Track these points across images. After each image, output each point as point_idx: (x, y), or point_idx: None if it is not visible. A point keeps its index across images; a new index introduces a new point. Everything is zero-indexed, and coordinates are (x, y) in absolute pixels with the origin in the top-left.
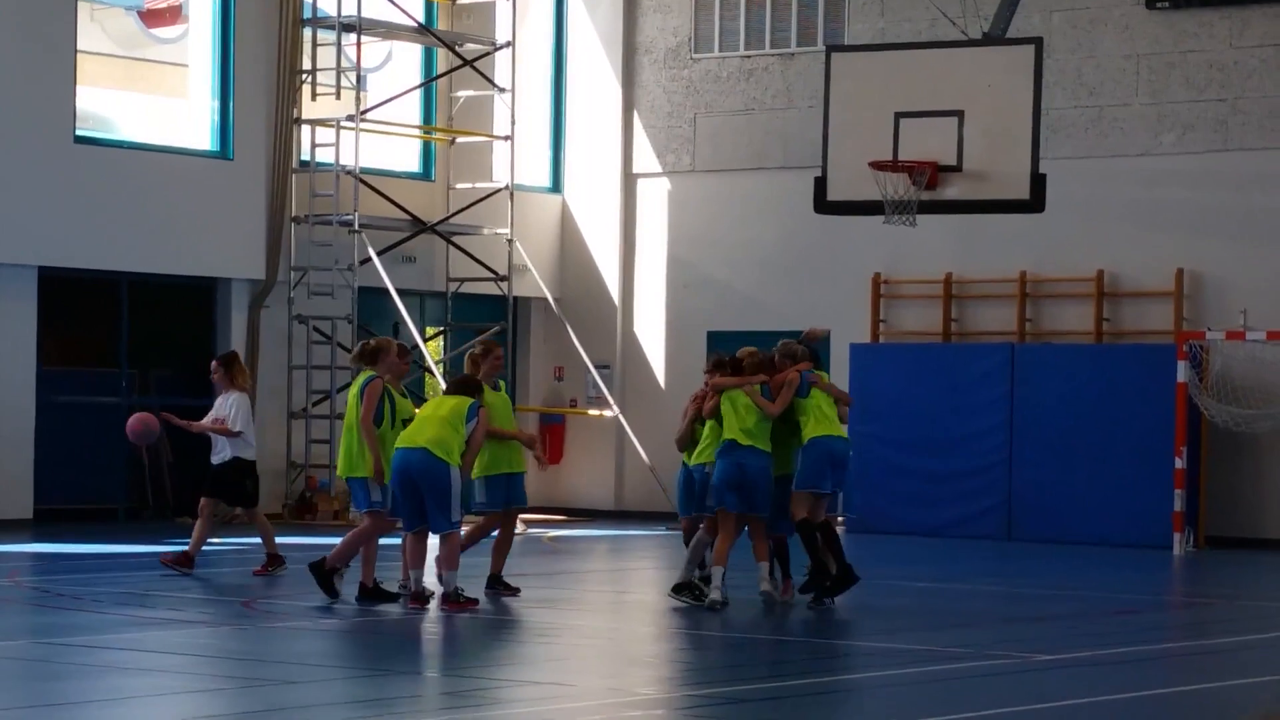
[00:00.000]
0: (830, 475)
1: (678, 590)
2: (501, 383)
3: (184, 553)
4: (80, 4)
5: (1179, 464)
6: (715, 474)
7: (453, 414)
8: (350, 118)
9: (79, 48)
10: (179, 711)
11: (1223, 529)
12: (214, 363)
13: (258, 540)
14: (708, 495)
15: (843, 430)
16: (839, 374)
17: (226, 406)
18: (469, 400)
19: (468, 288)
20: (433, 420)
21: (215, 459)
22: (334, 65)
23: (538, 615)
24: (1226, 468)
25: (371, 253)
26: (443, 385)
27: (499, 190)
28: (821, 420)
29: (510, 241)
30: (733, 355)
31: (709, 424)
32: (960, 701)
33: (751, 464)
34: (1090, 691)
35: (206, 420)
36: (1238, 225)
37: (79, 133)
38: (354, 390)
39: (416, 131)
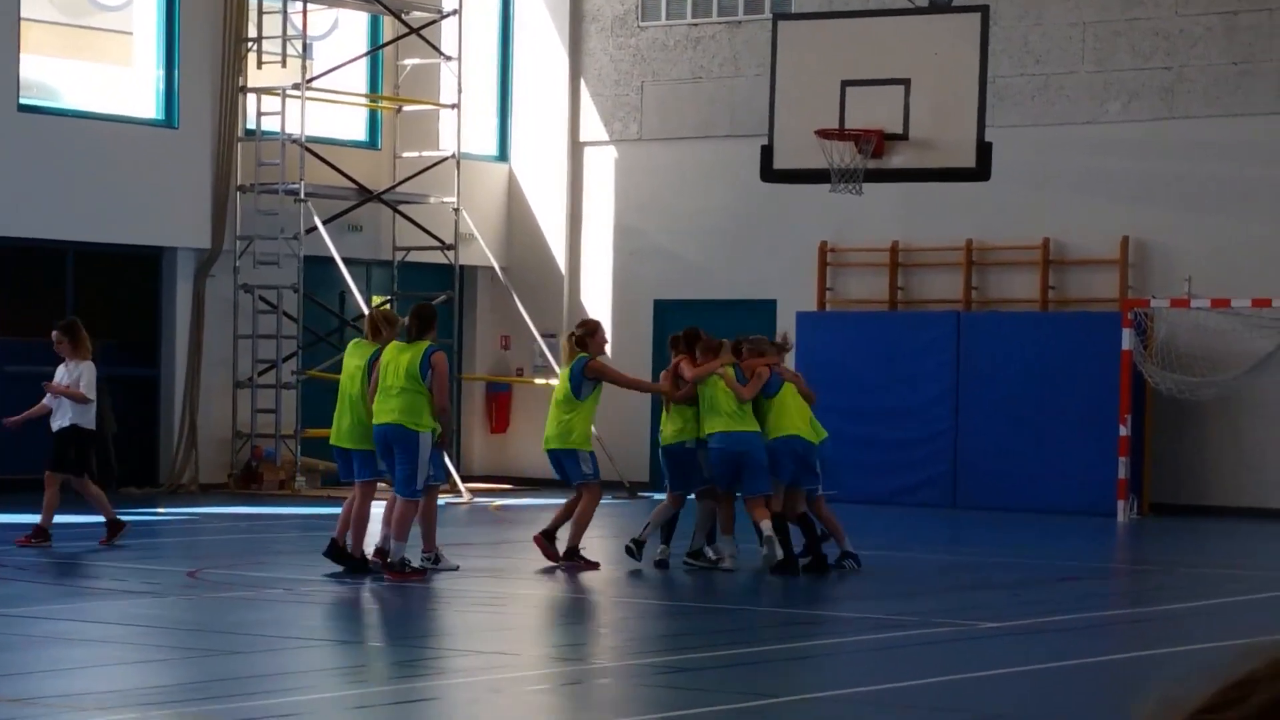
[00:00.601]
0: (789, 469)
1: (695, 556)
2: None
3: (37, 527)
4: None
5: (1124, 431)
6: (711, 459)
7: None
8: (296, 86)
9: (22, 15)
10: (124, 682)
11: (1167, 496)
12: (55, 331)
13: (202, 510)
14: (702, 469)
15: (807, 429)
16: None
17: (74, 374)
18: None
19: (414, 256)
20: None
21: (55, 424)
22: (280, 33)
23: (484, 585)
24: (1171, 435)
25: (317, 221)
26: None
27: (445, 159)
28: (785, 417)
29: (457, 210)
30: (688, 330)
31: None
32: (905, 669)
33: (739, 448)
34: (1033, 659)
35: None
36: (1183, 193)
37: (23, 101)
38: (411, 359)
39: (363, 100)
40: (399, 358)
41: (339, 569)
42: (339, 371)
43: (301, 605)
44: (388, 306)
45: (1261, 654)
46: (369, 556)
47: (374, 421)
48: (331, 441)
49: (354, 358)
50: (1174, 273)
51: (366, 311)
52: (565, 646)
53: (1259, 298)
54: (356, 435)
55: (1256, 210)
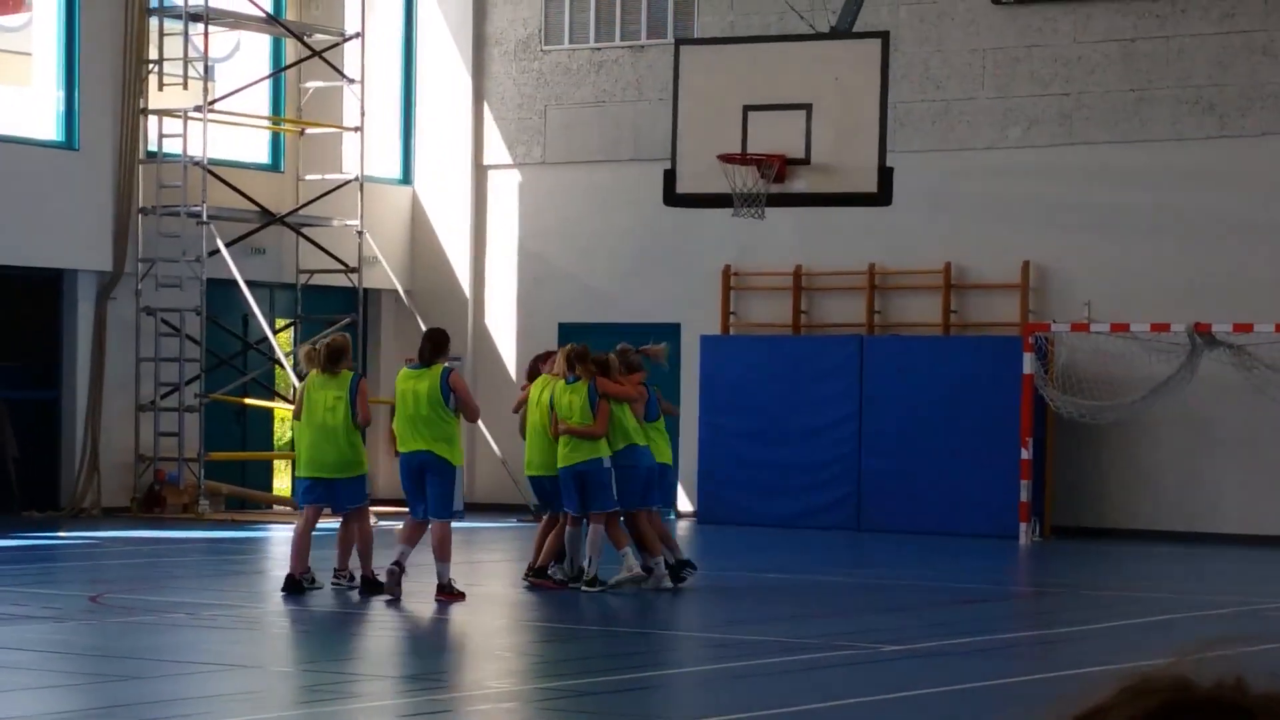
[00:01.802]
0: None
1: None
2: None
3: None
4: None
5: (1025, 455)
6: (641, 475)
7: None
8: (198, 108)
9: None
10: (25, 708)
11: (1068, 519)
12: None
13: (105, 534)
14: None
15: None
16: (689, 366)
17: None
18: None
19: (318, 279)
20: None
21: None
22: (181, 55)
23: (390, 609)
24: (1072, 458)
25: (220, 244)
26: (292, 379)
27: (349, 182)
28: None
29: (360, 233)
30: (579, 348)
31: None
32: (808, 692)
33: (651, 463)
34: (936, 681)
35: None
36: (1082, 218)
37: None
38: (430, 385)
39: (265, 122)
40: (416, 385)
41: (294, 596)
42: (243, 395)
43: (205, 630)
44: (342, 336)
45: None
46: (372, 575)
47: (402, 449)
48: (308, 473)
49: (327, 390)
50: (1074, 297)
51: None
52: (470, 671)
53: (1158, 322)
54: (341, 465)
55: (1155, 235)
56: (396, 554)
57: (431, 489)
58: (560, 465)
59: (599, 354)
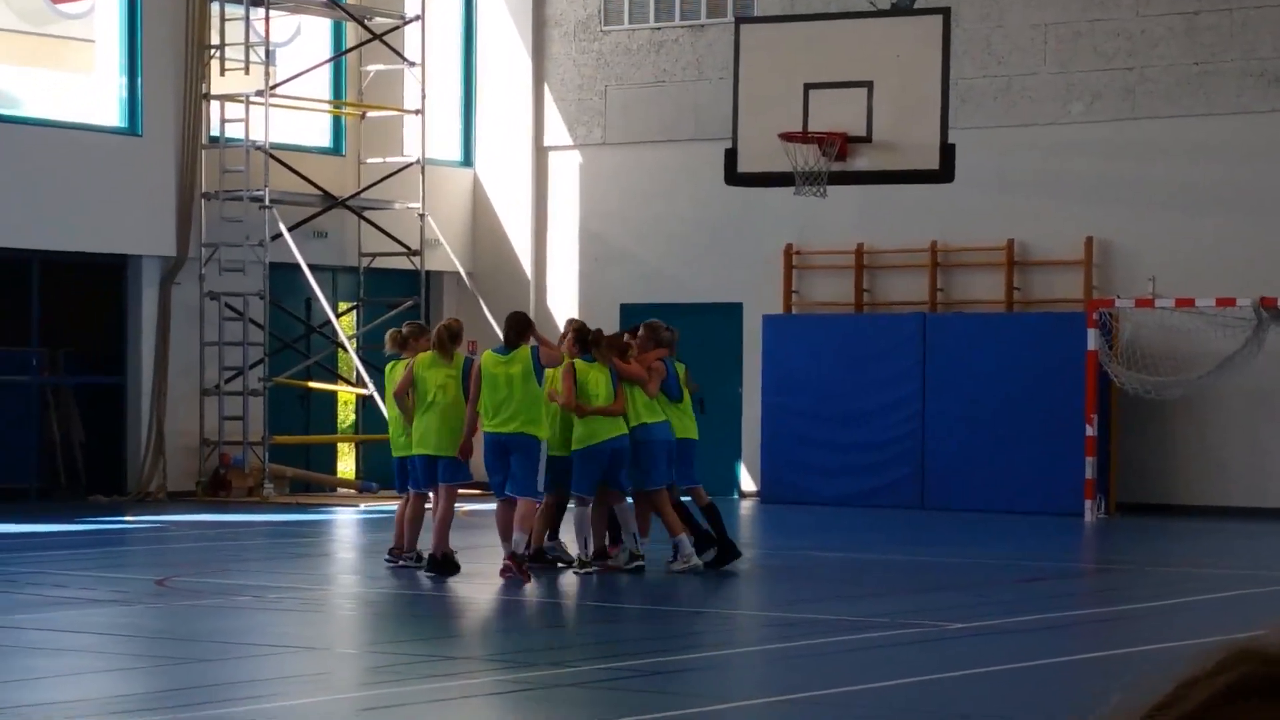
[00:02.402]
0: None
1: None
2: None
3: None
4: None
5: (1090, 431)
6: (660, 451)
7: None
8: (260, 93)
9: None
10: (92, 691)
11: (1133, 495)
12: None
13: (170, 518)
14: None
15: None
16: (752, 346)
17: None
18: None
19: (380, 262)
20: None
21: None
22: (243, 40)
23: (459, 590)
24: (1137, 435)
25: (283, 228)
26: (356, 362)
27: (410, 164)
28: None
29: (422, 216)
30: (590, 329)
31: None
32: (874, 671)
33: (672, 437)
34: (1001, 659)
35: None
36: (1146, 193)
37: None
38: (523, 368)
39: (326, 106)
40: (508, 369)
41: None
42: (307, 378)
43: (270, 612)
44: (458, 320)
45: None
46: (445, 553)
47: (490, 429)
48: (419, 451)
49: (439, 369)
50: (1138, 273)
51: (331, 318)
52: (538, 651)
53: (1223, 297)
54: (450, 443)
55: (1220, 210)
56: (512, 545)
57: (518, 467)
58: (588, 444)
59: (614, 334)
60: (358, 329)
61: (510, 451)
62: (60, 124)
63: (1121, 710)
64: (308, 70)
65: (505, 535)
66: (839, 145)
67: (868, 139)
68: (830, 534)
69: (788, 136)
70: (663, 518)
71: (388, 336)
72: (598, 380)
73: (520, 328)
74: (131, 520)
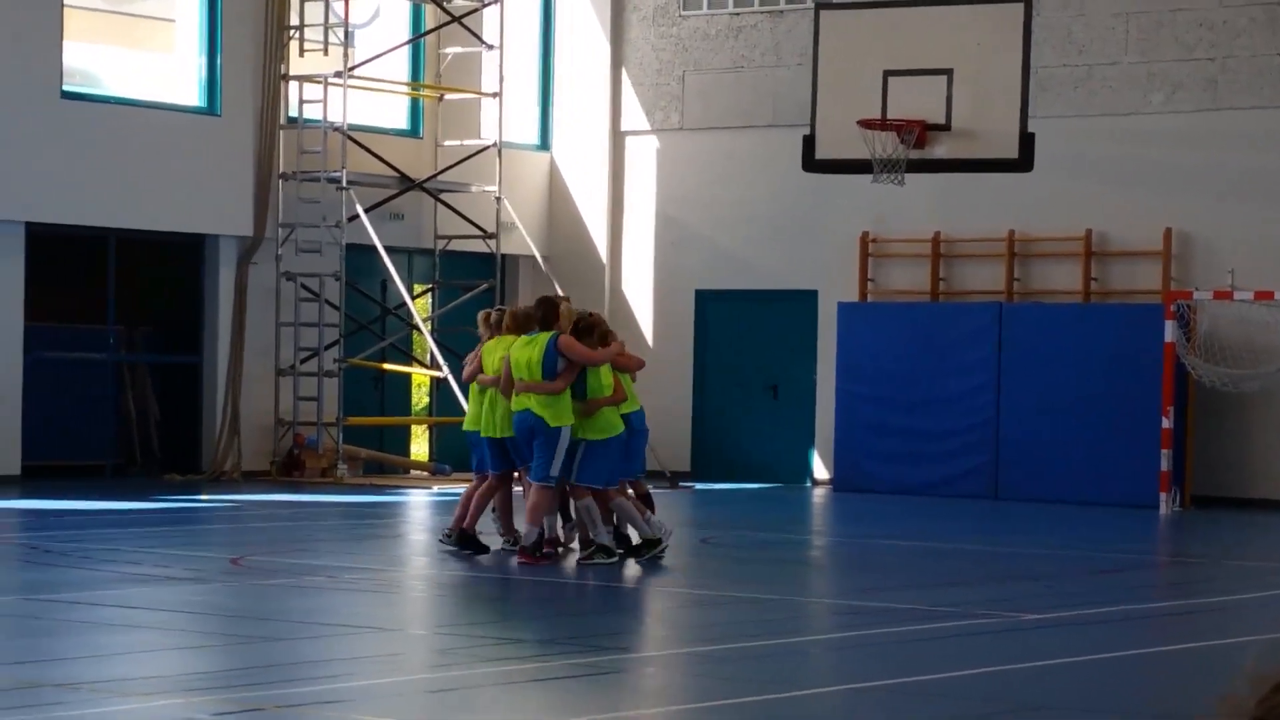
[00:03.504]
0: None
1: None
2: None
3: None
4: None
5: (1166, 424)
6: (639, 442)
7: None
8: (338, 74)
9: (65, 2)
10: (168, 668)
11: (1209, 489)
12: None
13: (245, 497)
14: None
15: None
16: (826, 333)
17: None
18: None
19: (456, 245)
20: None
21: None
22: (322, 21)
23: (528, 574)
24: (1213, 427)
25: (359, 209)
26: (431, 344)
27: (487, 147)
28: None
29: (498, 199)
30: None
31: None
32: (949, 660)
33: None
34: (1076, 650)
35: None
36: (1226, 184)
37: (66, 88)
38: (539, 351)
39: (404, 88)
40: (530, 354)
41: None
42: (381, 360)
43: (344, 592)
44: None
45: None
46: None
47: (515, 409)
48: (498, 434)
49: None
50: (1217, 264)
51: (406, 300)
52: (607, 635)
53: None
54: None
55: None
56: (542, 530)
57: (537, 451)
58: (610, 434)
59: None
60: (433, 311)
61: (533, 434)
62: (140, 103)
63: (1258, 681)
64: (386, 52)
65: (537, 519)
66: (917, 133)
67: (946, 127)
68: (903, 523)
69: (866, 123)
70: (603, 508)
71: (484, 319)
72: (606, 369)
73: (547, 313)
74: (206, 499)
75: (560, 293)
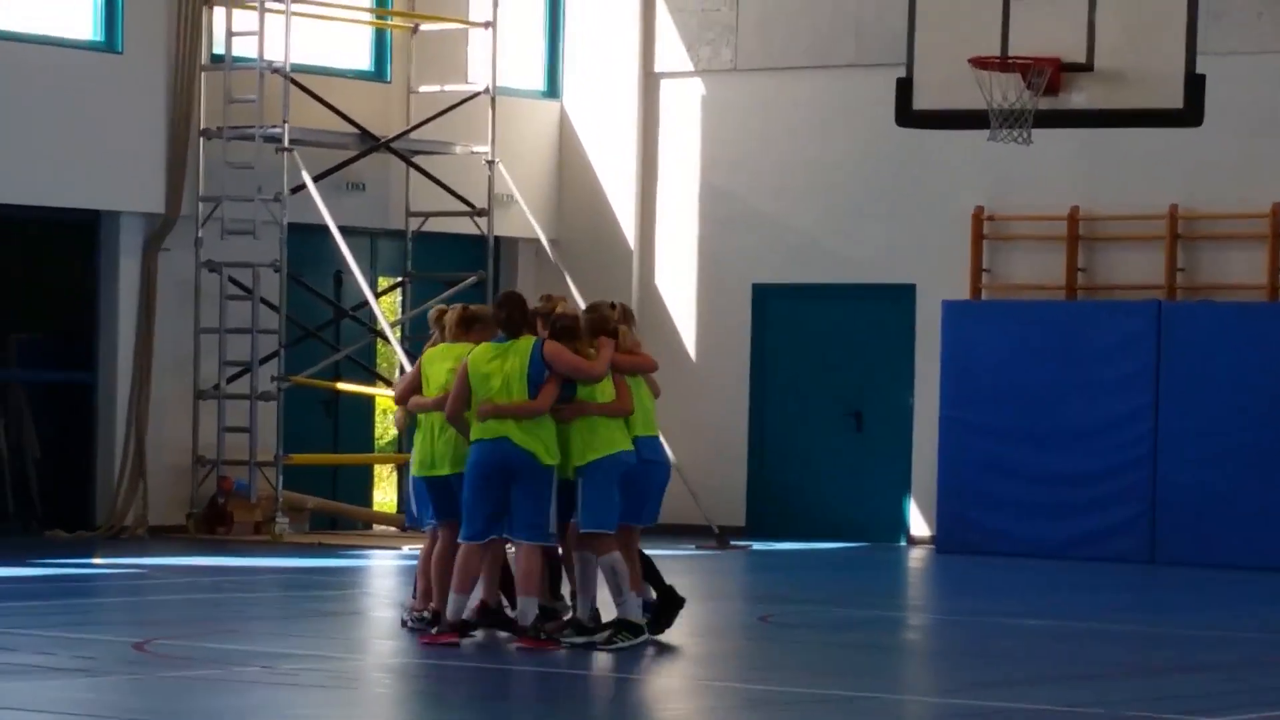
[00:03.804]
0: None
1: (580, 631)
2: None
3: None
4: None
5: None
6: (659, 477)
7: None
8: None
9: None
10: None
11: None
12: None
13: (153, 561)
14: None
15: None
16: (928, 342)
17: None
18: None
19: (434, 225)
20: None
21: None
22: None
23: (538, 661)
24: None
25: (306, 178)
26: (400, 355)
27: (476, 94)
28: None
29: (491, 163)
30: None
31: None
32: None
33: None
34: None
35: None
36: None
37: None
38: (520, 361)
39: (366, 16)
40: (504, 365)
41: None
42: (335, 377)
43: (285, 688)
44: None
45: None
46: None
47: (477, 438)
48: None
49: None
50: None
51: (369, 298)
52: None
53: None
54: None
55: None
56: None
57: (522, 499)
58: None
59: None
60: (403, 313)
61: (510, 473)
62: (14, 37)
63: None
64: None
65: (466, 586)
66: (1050, 75)
67: (1088, 67)
68: (1028, 594)
69: (981, 63)
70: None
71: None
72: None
73: (512, 312)
74: (101, 563)
75: (575, 292)
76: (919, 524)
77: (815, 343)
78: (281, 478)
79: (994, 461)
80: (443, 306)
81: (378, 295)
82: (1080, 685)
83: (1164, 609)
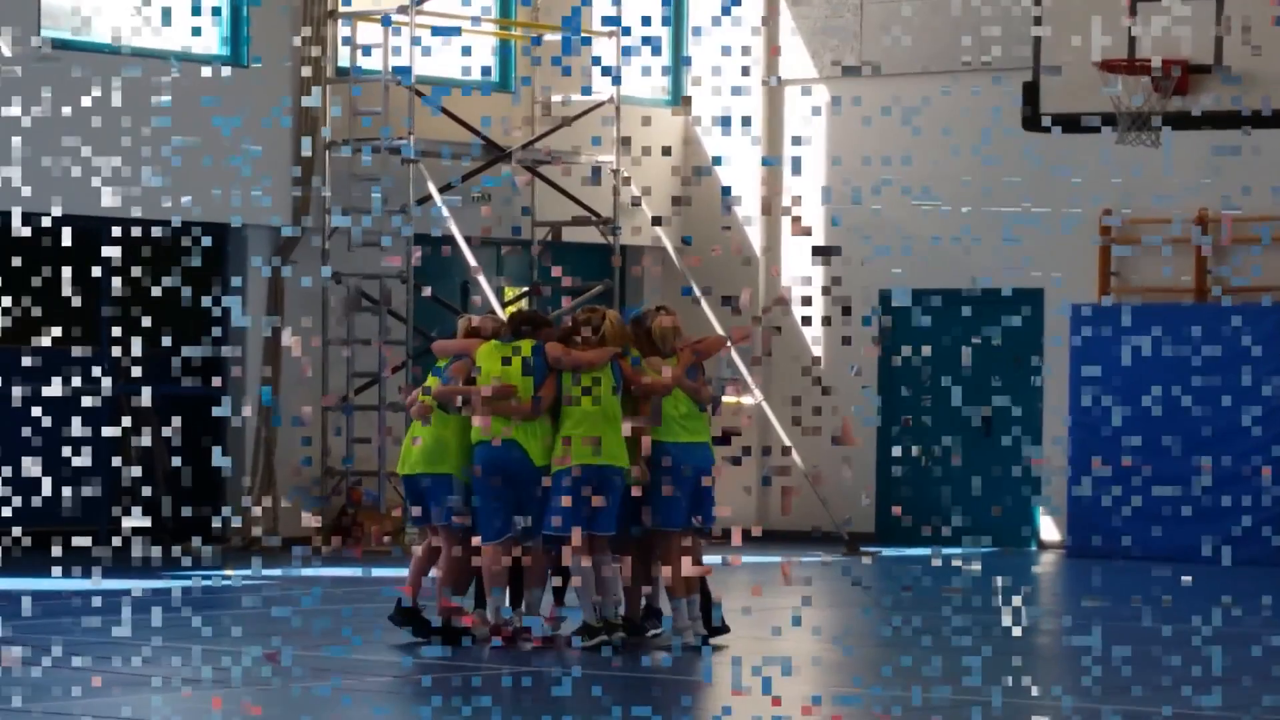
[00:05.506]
0: None
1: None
2: None
3: None
4: None
5: None
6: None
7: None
8: (403, 9)
9: None
10: None
11: None
12: None
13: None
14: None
15: None
16: (1056, 347)
17: None
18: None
19: (561, 234)
20: None
21: None
22: None
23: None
24: None
25: (433, 189)
26: None
27: (601, 104)
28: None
29: (616, 173)
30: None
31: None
32: None
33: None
34: None
35: None
36: None
37: (45, 33)
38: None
39: (491, 28)
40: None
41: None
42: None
43: (415, 700)
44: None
45: None
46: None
47: (481, 439)
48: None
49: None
50: None
51: (495, 308)
52: None
53: None
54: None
55: None
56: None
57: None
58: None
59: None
60: None
61: (513, 473)
62: (141, 51)
63: None
64: None
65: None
66: (1179, 76)
67: (1216, 68)
68: (1173, 608)
69: (1108, 65)
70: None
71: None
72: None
73: (532, 323)
74: (232, 575)
75: (702, 301)
76: (1050, 529)
77: (943, 348)
78: None
79: (1128, 469)
80: (469, 316)
81: (505, 305)
82: (1216, 692)
83: None
